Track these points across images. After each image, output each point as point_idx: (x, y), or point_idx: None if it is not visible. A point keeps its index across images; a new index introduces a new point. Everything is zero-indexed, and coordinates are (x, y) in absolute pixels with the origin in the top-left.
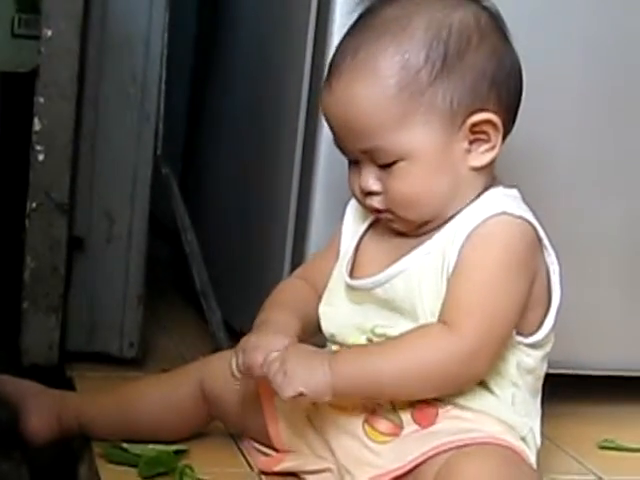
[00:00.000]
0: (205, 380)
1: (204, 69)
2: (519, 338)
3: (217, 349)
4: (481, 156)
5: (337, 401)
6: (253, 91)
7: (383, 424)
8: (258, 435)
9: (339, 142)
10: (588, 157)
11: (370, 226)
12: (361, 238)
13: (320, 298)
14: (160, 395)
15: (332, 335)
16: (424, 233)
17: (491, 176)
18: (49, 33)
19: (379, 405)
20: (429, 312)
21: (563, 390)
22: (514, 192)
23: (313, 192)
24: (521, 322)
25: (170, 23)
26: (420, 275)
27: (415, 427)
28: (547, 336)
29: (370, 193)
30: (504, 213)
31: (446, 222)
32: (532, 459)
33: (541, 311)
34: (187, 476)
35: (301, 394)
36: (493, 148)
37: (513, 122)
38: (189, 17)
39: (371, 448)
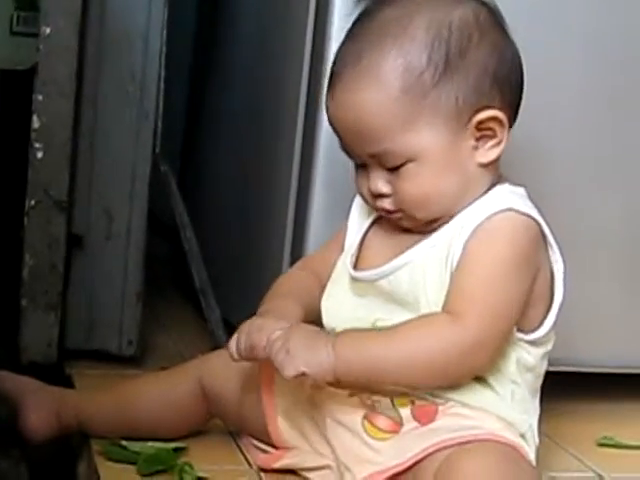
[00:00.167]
0: (204, 377)
1: (203, 67)
2: (520, 335)
3: (216, 347)
4: (488, 152)
5: (337, 385)
6: (252, 89)
7: (383, 421)
8: (257, 432)
9: (346, 147)
10: (587, 153)
11: (375, 221)
12: (366, 232)
13: (323, 289)
14: (159, 393)
15: (333, 329)
16: (432, 229)
17: (497, 173)
18: (48, 31)
19: (378, 402)
20: (432, 304)
21: (562, 387)
22: (521, 190)
23: (312, 190)
24: (522, 319)
25: (169, 20)
26: (425, 267)
27: (415, 424)
28: (548, 334)
29: (380, 195)
30: (510, 209)
31: (453, 216)
32: (531, 456)
33: (543, 308)
34: (186, 473)
35: (303, 374)
36: (499, 143)
37: (516, 115)
38: (188, 14)
39: (371, 445)
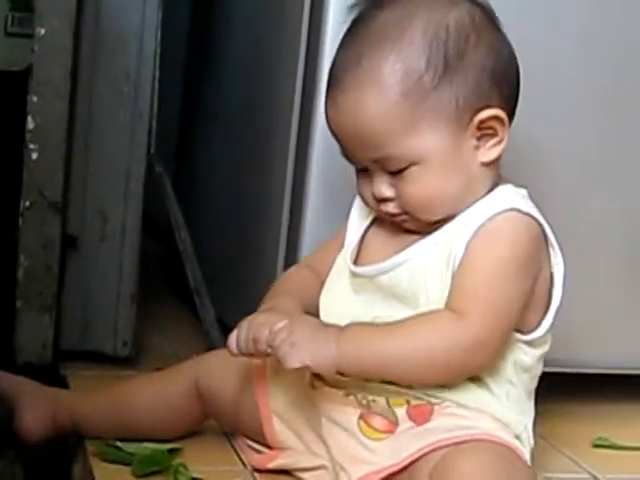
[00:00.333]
0: (200, 378)
1: (197, 67)
2: (518, 335)
3: (211, 347)
4: (489, 151)
5: (334, 382)
6: (247, 89)
7: (378, 421)
8: (252, 433)
9: (347, 153)
10: (587, 154)
11: (375, 220)
12: (366, 230)
13: (322, 286)
14: (154, 393)
15: None
16: (435, 229)
17: (498, 172)
18: (42, 31)
19: (374, 401)
20: (432, 302)
21: (557, 388)
22: (523, 191)
23: (307, 190)
24: (520, 319)
25: (163, 21)
26: (426, 265)
27: (410, 424)
28: (545, 335)
29: (384, 199)
30: (513, 209)
31: (455, 215)
32: (527, 457)
33: (541, 309)
34: (181, 474)
35: (306, 366)
36: (500, 142)
37: (514, 111)
38: (183, 15)
39: (366, 445)
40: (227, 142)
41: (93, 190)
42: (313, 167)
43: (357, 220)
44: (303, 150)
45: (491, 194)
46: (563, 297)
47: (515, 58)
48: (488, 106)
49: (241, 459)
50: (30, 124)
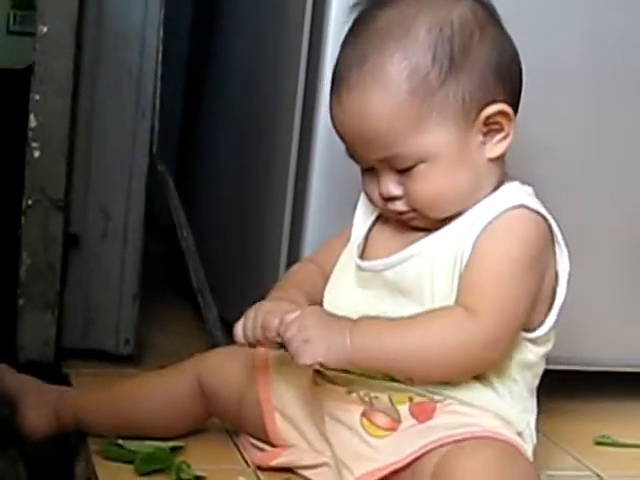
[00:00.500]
0: (202, 376)
1: (200, 66)
2: (522, 333)
3: (213, 346)
4: (496, 146)
5: (337, 379)
6: (249, 88)
7: (381, 418)
8: (255, 430)
9: (353, 153)
10: (589, 154)
11: (379, 216)
12: (372, 226)
13: (327, 281)
14: (157, 392)
15: None
16: (442, 225)
17: (504, 168)
18: (44, 29)
19: (377, 399)
20: (437, 298)
21: (560, 386)
22: (529, 189)
23: (309, 188)
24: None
25: (166, 19)
26: (433, 260)
27: (413, 421)
28: (548, 333)
29: (392, 198)
30: (522, 206)
31: (462, 212)
32: (529, 454)
33: (545, 307)
34: (183, 472)
35: (319, 363)
36: (506, 137)
37: (518, 105)
38: (185, 13)
39: (369, 442)
40: (229, 140)
41: (95, 188)
42: (315, 165)
43: (362, 216)
44: (305, 148)
45: (499, 191)
46: (567, 295)
47: (517, 52)
48: (494, 101)
49: (244, 457)
50: (32, 122)
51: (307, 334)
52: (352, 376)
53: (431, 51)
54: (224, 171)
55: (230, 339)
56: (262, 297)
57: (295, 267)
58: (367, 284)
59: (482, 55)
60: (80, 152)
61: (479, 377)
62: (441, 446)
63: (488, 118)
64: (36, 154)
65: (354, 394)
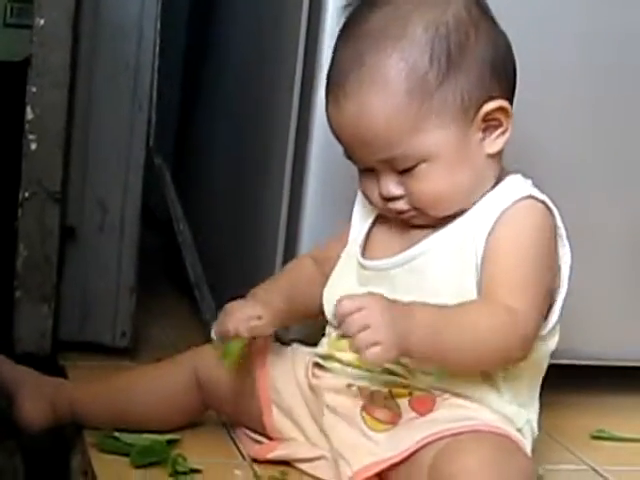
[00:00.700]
0: (199, 369)
1: (197, 59)
2: None
3: (210, 339)
4: (495, 142)
5: (337, 373)
6: (246, 82)
7: (381, 412)
8: (252, 423)
9: (351, 154)
10: (587, 153)
11: (379, 215)
12: (371, 226)
13: (326, 280)
14: (153, 384)
15: (335, 317)
16: (447, 222)
17: (501, 164)
18: (41, 22)
19: (377, 392)
20: (444, 295)
21: (556, 380)
22: (529, 181)
23: (306, 184)
24: None
25: (163, 11)
26: (439, 258)
27: (413, 415)
28: (554, 328)
29: (393, 198)
30: (530, 197)
31: (467, 208)
32: (527, 448)
33: (549, 302)
34: (179, 465)
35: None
36: (505, 132)
37: (512, 100)
38: (182, 5)
39: (369, 436)
40: (227, 134)
41: (92, 181)
42: (312, 161)
43: (361, 216)
44: (302, 144)
45: (504, 183)
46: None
47: (510, 46)
48: (491, 98)
49: (240, 450)
50: (29, 114)
51: (376, 337)
52: (351, 370)
53: (428, 51)
54: (221, 164)
55: None
56: None
57: (293, 263)
58: (369, 282)
59: (478, 53)
60: (77, 144)
61: (482, 372)
62: (440, 439)
63: (487, 115)
64: (33, 146)
65: (354, 388)
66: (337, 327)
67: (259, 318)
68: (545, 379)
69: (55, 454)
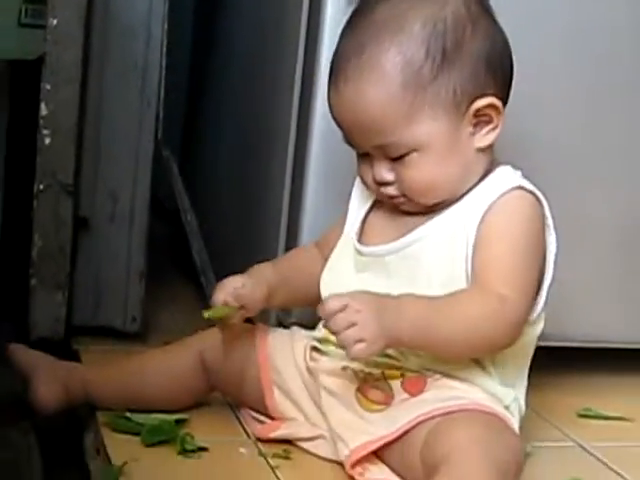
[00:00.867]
0: (205, 352)
1: (203, 56)
2: None
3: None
4: (485, 137)
5: (333, 356)
6: (249, 77)
7: (375, 393)
8: (255, 404)
9: (349, 139)
10: (576, 148)
11: (375, 202)
12: (367, 212)
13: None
14: (162, 366)
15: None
16: (434, 210)
17: (492, 157)
18: (54, 22)
19: (370, 374)
20: (434, 281)
21: (545, 362)
22: (519, 173)
23: (307, 176)
24: None
25: (170, 12)
26: (432, 246)
27: (405, 395)
28: (540, 313)
29: (384, 183)
30: (520, 187)
31: (460, 197)
32: (515, 426)
33: (537, 288)
34: (187, 444)
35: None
36: (495, 128)
37: (508, 96)
38: (188, 6)
39: (364, 416)
40: (231, 128)
41: (103, 173)
42: (312, 154)
43: (358, 202)
44: (302, 139)
45: (494, 174)
46: (554, 276)
47: (508, 44)
48: (484, 94)
49: (245, 429)
50: (43, 110)
51: (362, 334)
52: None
53: (425, 46)
54: (226, 157)
55: None
56: None
57: (297, 248)
58: (365, 268)
59: (474, 50)
60: (89, 139)
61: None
62: (432, 418)
63: (478, 110)
64: (47, 141)
65: (349, 370)
66: (325, 325)
67: (243, 286)
68: (534, 360)
69: (69, 434)
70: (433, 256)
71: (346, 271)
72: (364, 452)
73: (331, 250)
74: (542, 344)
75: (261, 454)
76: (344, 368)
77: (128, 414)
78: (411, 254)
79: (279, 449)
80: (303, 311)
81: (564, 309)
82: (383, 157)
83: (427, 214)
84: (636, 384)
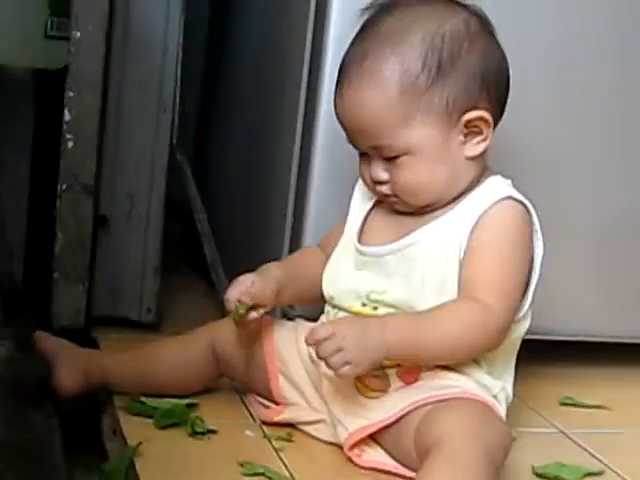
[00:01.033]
0: (215, 341)
1: (215, 68)
2: None
3: (224, 315)
4: (475, 147)
5: None
6: (257, 88)
7: (373, 381)
8: (261, 390)
9: (351, 139)
10: (558, 152)
11: (375, 204)
12: (368, 213)
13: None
14: (175, 354)
15: (331, 297)
16: (425, 212)
17: (484, 165)
18: (78, 35)
19: None
20: (427, 281)
21: (530, 354)
22: (509, 181)
23: (311, 180)
24: None
25: (185, 26)
26: (428, 249)
27: (401, 384)
28: (526, 312)
29: (379, 182)
30: (509, 198)
31: (455, 203)
32: (502, 413)
33: (524, 290)
34: (198, 426)
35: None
36: (485, 139)
37: (502, 112)
38: (202, 21)
39: (362, 402)
40: (240, 135)
41: (122, 176)
42: (316, 159)
43: (359, 202)
44: (307, 143)
45: (485, 184)
46: (540, 277)
47: (506, 64)
48: (476, 107)
49: (251, 413)
50: (67, 116)
51: (346, 357)
52: None
53: (422, 58)
54: (235, 162)
55: None
56: None
57: (302, 249)
58: (365, 266)
59: (468, 65)
60: (109, 143)
61: None
62: (425, 405)
63: (469, 122)
64: (70, 145)
65: None
66: (315, 351)
67: (253, 284)
68: (520, 353)
69: (88, 416)
70: (428, 259)
71: (346, 269)
72: (361, 435)
73: (332, 249)
74: (528, 338)
75: (266, 436)
76: None
77: (143, 398)
78: (408, 255)
79: (283, 432)
80: (306, 305)
81: (548, 306)
82: (379, 157)
83: (423, 218)
84: (614, 375)
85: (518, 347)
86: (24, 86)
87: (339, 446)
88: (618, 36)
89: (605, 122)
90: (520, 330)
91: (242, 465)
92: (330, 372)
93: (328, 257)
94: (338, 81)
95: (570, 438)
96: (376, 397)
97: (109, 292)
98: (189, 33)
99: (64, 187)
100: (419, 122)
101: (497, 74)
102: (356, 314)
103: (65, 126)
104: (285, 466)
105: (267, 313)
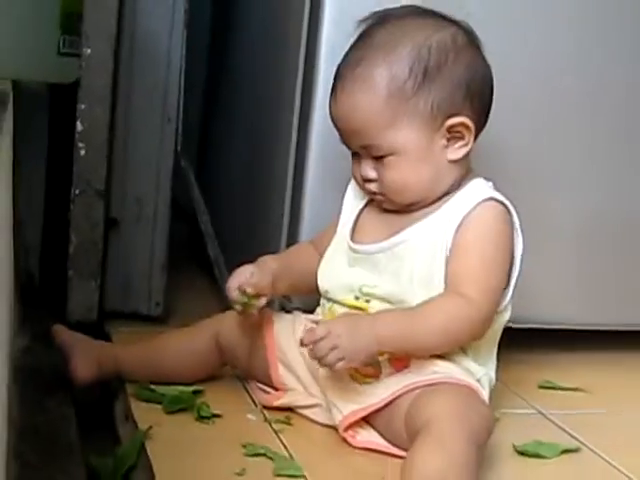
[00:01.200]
0: (219, 333)
1: (216, 80)
2: None
3: (228, 308)
4: (457, 151)
5: None
6: (254, 99)
7: (365, 368)
8: (262, 377)
9: (344, 139)
10: (539, 153)
11: (367, 203)
12: (360, 212)
13: (321, 259)
14: (182, 345)
15: (326, 291)
16: (412, 211)
17: (467, 167)
18: (88, 51)
19: None
20: (415, 277)
21: (511, 341)
22: (490, 183)
23: (306, 181)
24: None
25: (187, 41)
26: (416, 247)
27: (392, 370)
28: (507, 305)
29: (368, 180)
30: (491, 199)
31: (440, 203)
32: (485, 397)
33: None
34: (203, 411)
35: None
36: (467, 144)
37: (485, 121)
38: (203, 36)
39: (355, 388)
40: (240, 141)
41: (131, 181)
42: (311, 161)
43: (352, 201)
44: (303, 147)
45: (469, 186)
46: (520, 272)
47: (491, 75)
48: (458, 114)
49: (252, 399)
50: (79, 127)
51: (340, 354)
52: None
53: (409, 65)
54: (235, 167)
55: None
56: None
57: (296, 245)
58: (357, 263)
59: (454, 74)
60: (118, 151)
61: None
62: (415, 389)
63: (451, 127)
64: (82, 153)
65: None
66: (309, 351)
67: (251, 275)
68: (502, 340)
69: (101, 403)
70: (416, 257)
71: (340, 265)
72: (355, 418)
73: (325, 247)
74: (509, 326)
75: (266, 420)
76: None
77: (152, 386)
78: (398, 253)
79: (282, 416)
80: (302, 298)
81: (528, 297)
82: (369, 156)
83: (412, 217)
84: (590, 360)
85: (499, 335)
86: (39, 99)
87: (334, 428)
88: (600, 45)
89: (576, 130)
90: (502, 320)
91: (245, 446)
92: (324, 371)
93: (321, 255)
94: (333, 85)
95: (548, 419)
96: (369, 383)
97: (120, 288)
98: (191, 44)
99: (77, 192)
100: (405, 124)
101: (481, 84)
102: (350, 307)
103: (77, 136)
104: (285, 447)
105: (267, 303)
